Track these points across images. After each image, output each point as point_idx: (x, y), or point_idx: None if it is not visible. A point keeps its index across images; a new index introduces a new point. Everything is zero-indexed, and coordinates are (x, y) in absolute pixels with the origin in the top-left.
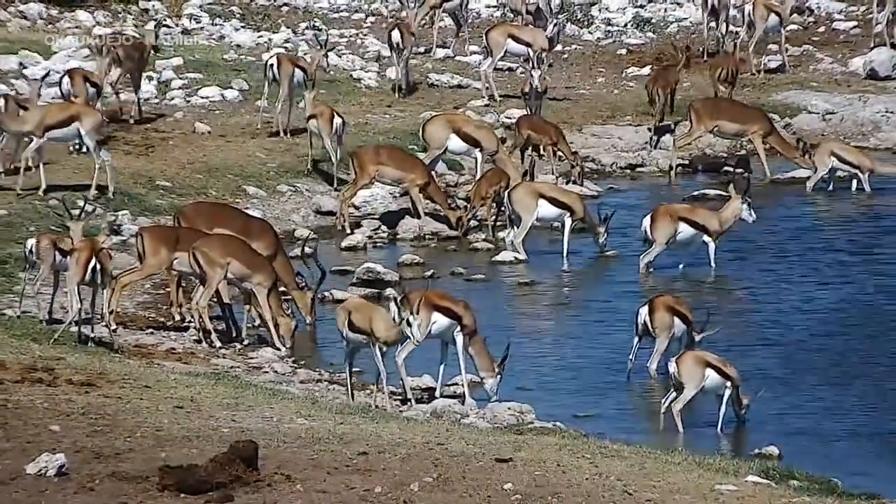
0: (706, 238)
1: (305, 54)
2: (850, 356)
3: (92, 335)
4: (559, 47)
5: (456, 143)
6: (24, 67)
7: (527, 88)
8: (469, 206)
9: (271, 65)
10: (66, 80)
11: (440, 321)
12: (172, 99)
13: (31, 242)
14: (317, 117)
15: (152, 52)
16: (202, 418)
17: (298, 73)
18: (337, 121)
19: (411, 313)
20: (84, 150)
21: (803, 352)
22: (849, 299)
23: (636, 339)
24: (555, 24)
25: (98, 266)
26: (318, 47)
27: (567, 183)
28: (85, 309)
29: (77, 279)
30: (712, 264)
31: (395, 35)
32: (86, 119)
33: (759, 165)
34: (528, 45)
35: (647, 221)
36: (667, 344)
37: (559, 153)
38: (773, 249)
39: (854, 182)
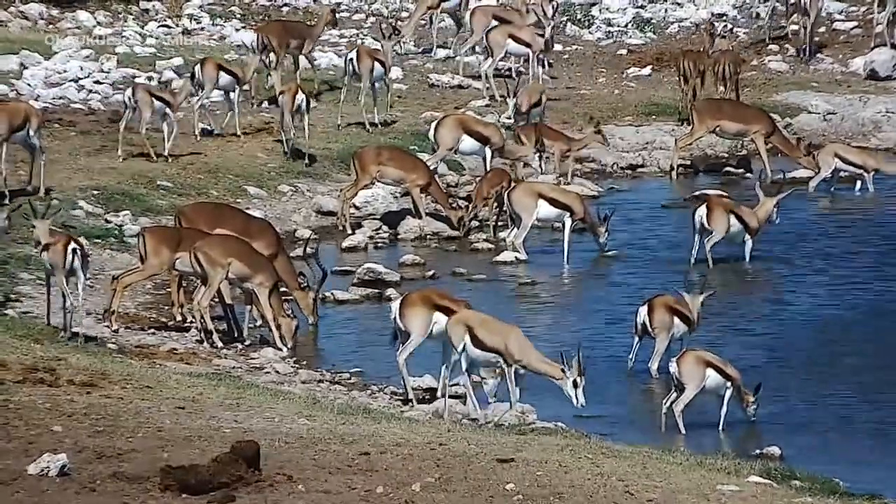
0: (746, 235)
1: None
2: (853, 356)
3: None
4: (559, 47)
5: (468, 143)
6: (25, 68)
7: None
8: (470, 206)
9: (351, 59)
10: (197, 69)
11: (441, 322)
12: None
13: None
14: (284, 93)
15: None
16: (204, 418)
17: (378, 67)
18: (300, 96)
19: (579, 375)
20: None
21: (805, 352)
22: (850, 298)
23: (636, 339)
24: (549, 26)
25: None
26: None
27: (567, 183)
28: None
29: (60, 267)
30: (747, 258)
31: None
32: (34, 119)
33: (761, 166)
34: (528, 45)
35: (702, 211)
36: (667, 344)
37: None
38: (772, 248)
39: (858, 182)
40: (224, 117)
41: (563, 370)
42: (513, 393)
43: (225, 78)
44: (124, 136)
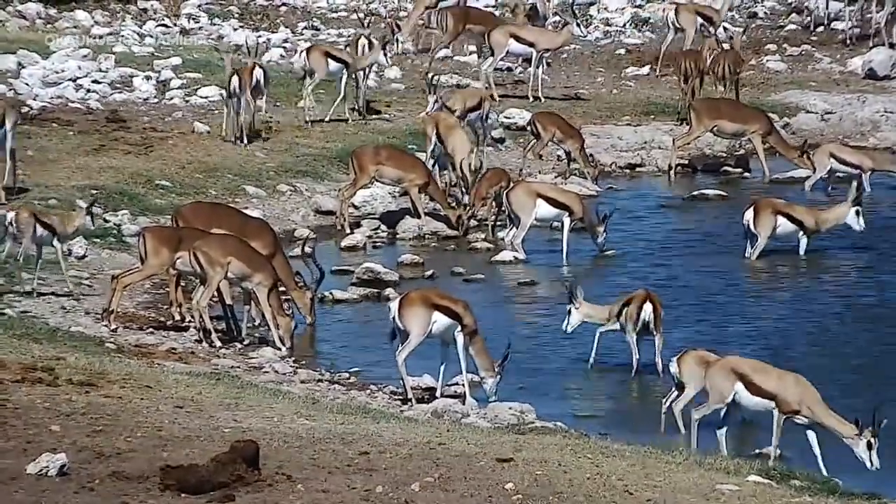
0: (800, 234)
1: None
2: (850, 355)
3: None
4: None
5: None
6: (23, 67)
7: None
8: (468, 205)
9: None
10: (303, 55)
11: (441, 321)
12: (171, 99)
13: (10, 215)
14: (238, 73)
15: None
16: (203, 418)
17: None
18: (258, 72)
19: (873, 435)
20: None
21: (802, 351)
22: (850, 297)
23: (634, 336)
24: (569, 23)
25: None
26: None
27: (565, 182)
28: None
29: None
30: (802, 256)
31: None
32: (10, 114)
33: (759, 165)
34: (530, 45)
35: (749, 215)
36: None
37: (579, 157)
38: (771, 248)
39: (854, 181)
40: (221, 117)
41: (855, 428)
42: (776, 438)
43: (334, 65)
44: (122, 137)
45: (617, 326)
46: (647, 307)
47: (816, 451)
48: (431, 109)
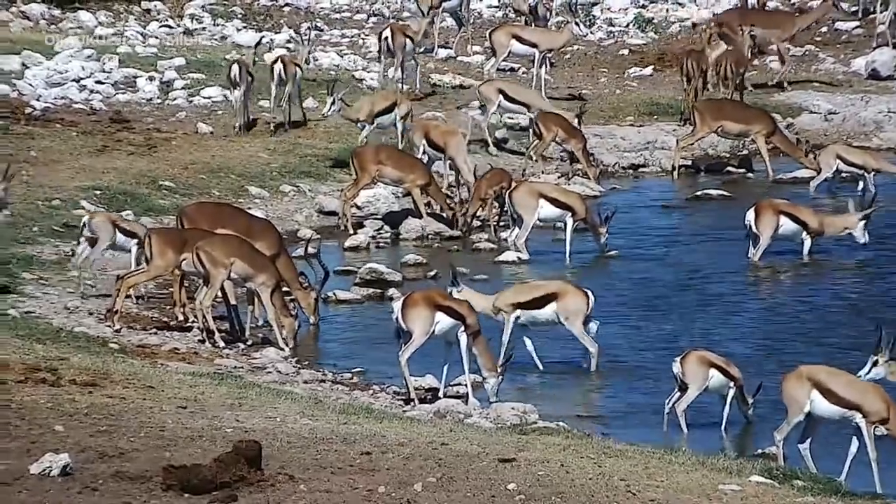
0: (804, 235)
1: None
2: (853, 355)
3: None
4: None
5: (427, 148)
6: (27, 68)
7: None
8: (468, 205)
9: (385, 37)
10: (386, 31)
11: (444, 321)
12: (175, 99)
13: (85, 217)
14: (238, 63)
15: None
16: (206, 418)
17: (409, 44)
18: (277, 66)
19: None
20: None
21: (804, 351)
22: (850, 298)
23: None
24: (570, 23)
25: None
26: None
27: (568, 183)
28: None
29: None
30: (805, 258)
31: None
32: None
33: (762, 165)
34: (533, 45)
35: (751, 215)
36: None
37: (581, 157)
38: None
39: (860, 183)
40: (224, 117)
41: None
42: (872, 452)
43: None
44: (125, 138)
45: (514, 317)
46: (591, 298)
47: (850, 458)
48: (328, 111)
